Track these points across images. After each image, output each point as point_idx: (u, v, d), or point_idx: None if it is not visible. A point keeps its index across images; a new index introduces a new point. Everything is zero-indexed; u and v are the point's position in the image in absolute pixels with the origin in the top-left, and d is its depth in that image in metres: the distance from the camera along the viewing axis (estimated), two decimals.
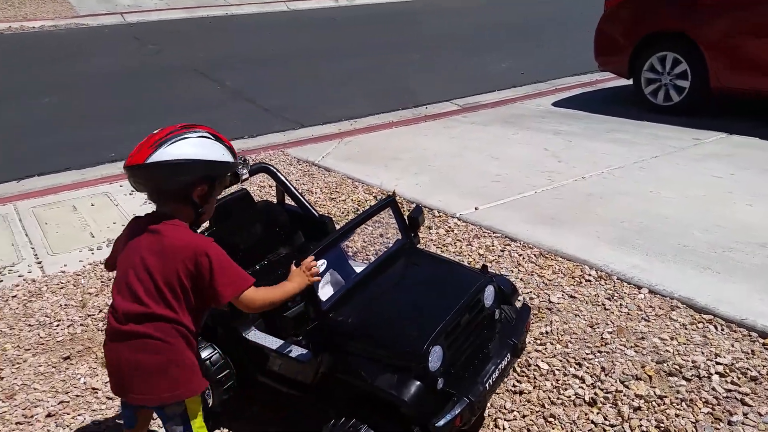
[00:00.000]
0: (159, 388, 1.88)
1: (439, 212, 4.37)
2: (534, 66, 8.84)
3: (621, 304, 3.21)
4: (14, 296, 3.60)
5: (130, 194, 4.92)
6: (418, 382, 2.01)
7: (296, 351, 2.30)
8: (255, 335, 2.40)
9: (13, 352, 3.13)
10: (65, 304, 3.50)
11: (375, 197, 4.70)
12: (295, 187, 2.97)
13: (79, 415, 2.70)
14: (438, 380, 2.05)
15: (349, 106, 7.14)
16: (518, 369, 2.82)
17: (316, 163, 5.51)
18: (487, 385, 2.14)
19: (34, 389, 2.86)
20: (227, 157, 1.99)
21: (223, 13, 12.13)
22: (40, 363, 3.04)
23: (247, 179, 2.44)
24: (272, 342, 2.37)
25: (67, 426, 2.64)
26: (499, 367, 2.23)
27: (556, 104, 7.10)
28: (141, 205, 4.72)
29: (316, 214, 2.94)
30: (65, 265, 3.92)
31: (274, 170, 2.93)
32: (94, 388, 2.86)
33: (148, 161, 1.87)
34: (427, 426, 1.98)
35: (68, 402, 2.78)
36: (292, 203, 3.01)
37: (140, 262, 1.87)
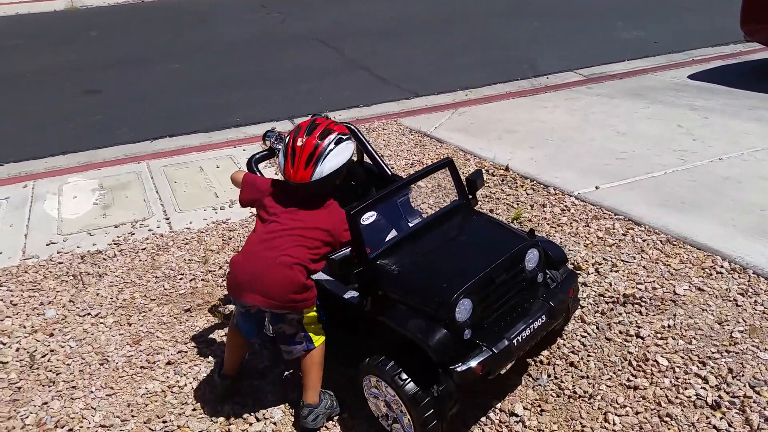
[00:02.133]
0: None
1: (555, 189, 4.17)
2: (669, 34, 8.16)
3: (756, 301, 2.92)
4: (144, 249, 3.87)
5: None
6: (445, 330, 2.14)
7: (349, 294, 2.54)
8: (319, 275, 2.57)
9: (140, 300, 3.38)
10: (189, 259, 3.72)
11: (487, 171, 4.57)
12: (373, 147, 3.10)
13: (195, 365, 2.88)
14: (465, 331, 2.17)
15: (465, 76, 6.96)
16: (634, 363, 2.66)
17: (428, 133, 5.43)
18: (515, 341, 2.24)
19: (157, 337, 3.08)
20: (353, 147, 2.50)
21: None
22: (163, 313, 3.26)
23: None
24: (332, 284, 2.62)
25: (185, 375, 2.82)
26: (531, 326, 2.30)
27: (692, 77, 6.52)
28: (263, 169, 4.89)
29: (389, 173, 3.04)
30: (190, 222, 4.16)
31: (356, 129, 3.08)
32: (210, 340, 3.03)
33: (313, 179, 2.36)
34: (449, 370, 2.15)
35: (186, 352, 2.96)
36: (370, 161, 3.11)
37: (300, 221, 2.36)
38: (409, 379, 2.16)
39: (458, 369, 2.13)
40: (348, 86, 6.90)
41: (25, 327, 3.19)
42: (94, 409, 2.66)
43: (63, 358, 2.96)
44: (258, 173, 2.82)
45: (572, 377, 2.64)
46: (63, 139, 5.70)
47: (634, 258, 3.34)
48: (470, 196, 2.66)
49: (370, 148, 3.06)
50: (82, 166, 5.16)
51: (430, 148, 5.12)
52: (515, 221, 3.84)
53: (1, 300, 3.42)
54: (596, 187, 4.11)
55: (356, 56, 7.90)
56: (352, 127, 3.07)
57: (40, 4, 10.85)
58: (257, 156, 2.89)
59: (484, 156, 4.82)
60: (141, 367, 2.88)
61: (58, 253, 3.88)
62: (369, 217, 2.53)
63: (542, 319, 2.34)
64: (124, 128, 5.91)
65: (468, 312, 2.17)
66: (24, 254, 3.88)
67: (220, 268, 3.60)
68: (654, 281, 3.14)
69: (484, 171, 4.57)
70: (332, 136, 2.39)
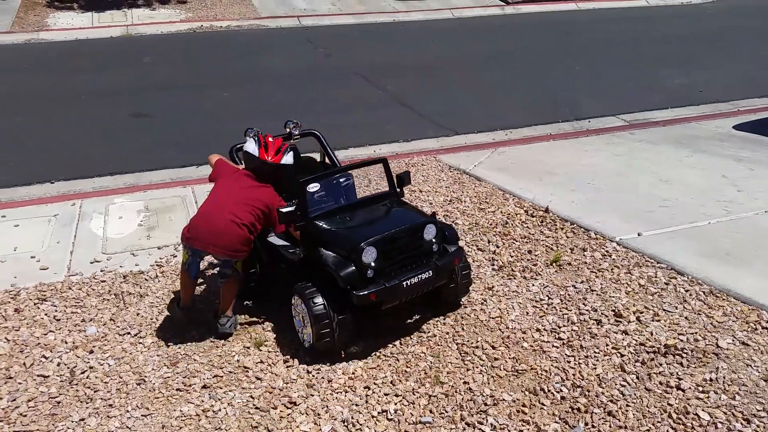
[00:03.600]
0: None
1: (596, 234, 4.13)
2: (715, 83, 8.10)
3: None
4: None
5: None
6: (353, 267, 3.00)
7: (292, 249, 3.40)
8: (273, 239, 3.55)
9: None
10: None
11: (526, 211, 4.56)
12: (332, 150, 3.96)
13: (230, 390, 2.90)
14: (368, 271, 3.01)
15: (506, 116, 7.01)
16: (674, 415, 2.58)
17: (467, 171, 5.46)
18: (404, 284, 3.05)
19: (194, 360, 3.12)
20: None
21: (391, 20, 12.42)
22: (201, 336, 3.30)
23: (298, 140, 3.81)
24: (282, 244, 3.50)
25: (219, 399, 2.84)
26: (419, 276, 3.10)
27: (738, 127, 6.43)
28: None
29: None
30: None
31: (320, 135, 4.01)
32: (245, 367, 3.05)
33: (282, 163, 3.38)
34: (352, 294, 2.96)
35: (222, 377, 2.99)
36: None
37: (247, 196, 3.25)
38: (320, 300, 2.99)
39: (358, 293, 2.96)
40: (389, 121, 7.00)
41: (66, 342, 3.27)
42: (129, 428, 2.69)
43: (101, 376, 3.02)
44: (237, 159, 3.73)
45: (610, 427, 2.58)
46: (112, 160, 5.90)
47: (677, 308, 3.27)
48: (398, 189, 3.46)
49: (331, 152, 3.97)
50: (128, 188, 5.33)
51: (468, 185, 5.14)
52: (554, 263, 3.80)
53: (46, 315, 3.52)
54: (639, 234, 4.06)
55: (398, 92, 8.02)
56: (317, 134, 4.02)
57: (98, 30, 11.32)
58: (237, 146, 3.75)
59: (523, 196, 4.82)
60: (177, 389, 2.91)
61: (101, 271, 3.98)
62: (313, 187, 3.40)
63: (428, 274, 3.13)
64: (171, 152, 6.09)
65: (372, 258, 3.00)
66: (69, 271, 4.00)
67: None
68: (696, 333, 3.07)
69: (523, 211, 4.57)
70: (287, 145, 3.44)
